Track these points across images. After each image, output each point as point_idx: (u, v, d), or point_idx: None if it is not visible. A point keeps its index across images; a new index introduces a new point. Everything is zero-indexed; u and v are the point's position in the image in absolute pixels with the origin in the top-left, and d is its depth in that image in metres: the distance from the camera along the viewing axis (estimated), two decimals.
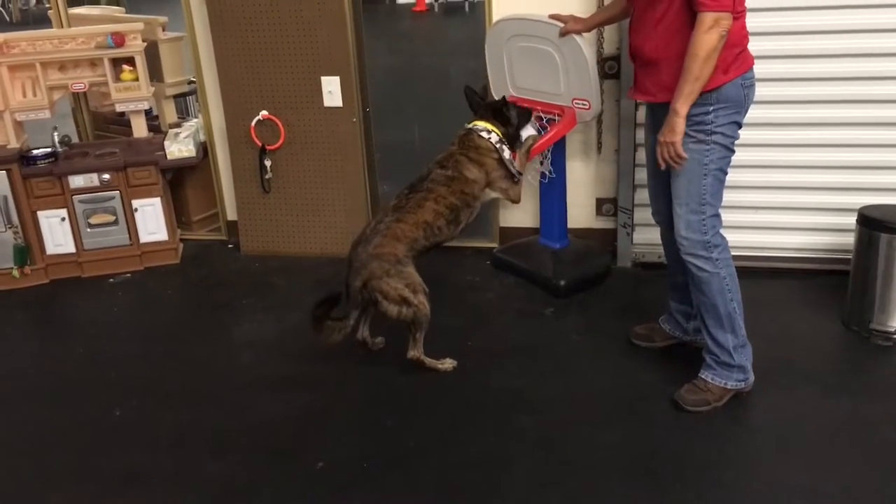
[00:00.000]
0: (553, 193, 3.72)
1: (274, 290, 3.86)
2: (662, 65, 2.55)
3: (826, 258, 3.62)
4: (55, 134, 4.09)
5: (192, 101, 4.88)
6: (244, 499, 2.52)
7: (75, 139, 4.45)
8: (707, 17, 2.38)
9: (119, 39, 3.99)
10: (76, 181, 3.94)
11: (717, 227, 2.69)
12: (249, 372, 3.20)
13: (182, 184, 4.35)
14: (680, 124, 2.50)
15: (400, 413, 2.87)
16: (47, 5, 4.68)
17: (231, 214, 4.37)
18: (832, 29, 3.35)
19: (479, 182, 3.13)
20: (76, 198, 3.96)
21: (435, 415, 2.86)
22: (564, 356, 3.18)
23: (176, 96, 4.67)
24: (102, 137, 4.62)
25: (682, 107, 2.48)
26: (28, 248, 3.97)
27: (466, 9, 12.52)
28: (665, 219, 2.89)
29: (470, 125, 3.21)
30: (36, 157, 3.94)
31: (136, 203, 4.04)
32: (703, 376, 2.81)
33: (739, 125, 2.63)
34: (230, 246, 4.37)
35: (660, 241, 3.06)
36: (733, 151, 2.65)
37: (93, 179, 3.95)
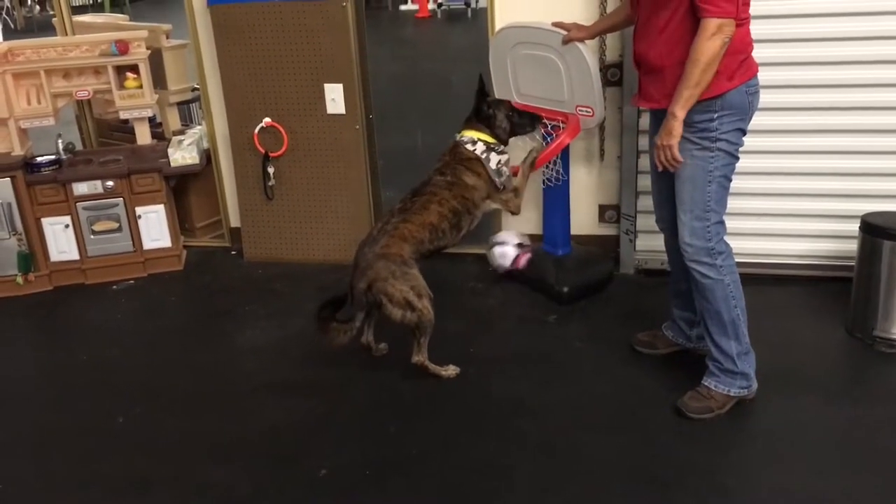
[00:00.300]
0: (556, 200, 3.72)
1: (277, 297, 3.86)
2: (667, 72, 2.56)
3: (829, 265, 3.61)
4: (59, 141, 4.10)
5: (195, 109, 4.90)
6: None
7: (79, 146, 4.46)
8: (710, 24, 2.39)
9: (123, 47, 4.01)
10: (80, 188, 3.95)
11: (722, 234, 2.69)
12: (252, 378, 3.20)
13: (185, 191, 4.37)
14: (677, 128, 2.51)
15: (402, 419, 2.87)
16: (51, 13, 4.71)
17: (234, 221, 4.38)
18: (836, 36, 3.35)
19: (479, 189, 3.14)
20: (80, 205, 3.97)
21: (437, 421, 2.86)
22: (567, 363, 3.18)
23: (179, 103, 4.68)
24: (106, 144, 4.63)
25: (679, 111, 2.49)
26: (32, 255, 3.98)
27: (469, 15, 12.56)
28: (669, 225, 2.89)
29: (458, 135, 3.21)
30: (40, 165, 3.95)
31: (139, 210, 4.05)
32: (706, 383, 2.80)
33: (744, 132, 2.64)
34: (233, 253, 4.38)
35: (662, 248, 3.06)
36: (737, 158, 2.66)
37: (96, 186, 3.96)
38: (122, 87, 4.08)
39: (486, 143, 3.17)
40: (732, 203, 3.63)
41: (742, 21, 2.49)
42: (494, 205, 3.25)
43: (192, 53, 4.15)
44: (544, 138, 3.47)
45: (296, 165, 4.05)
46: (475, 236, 3.40)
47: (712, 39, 2.39)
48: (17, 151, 3.96)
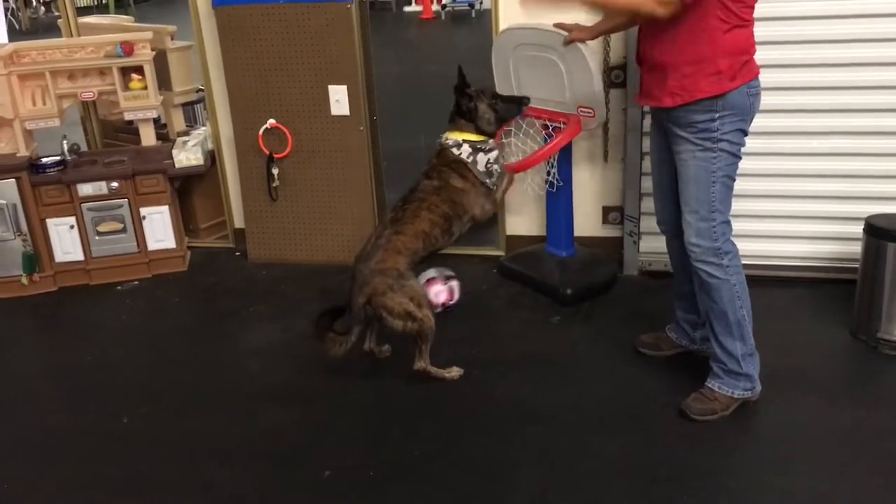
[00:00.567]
0: (559, 202, 3.72)
1: (281, 298, 3.86)
2: (670, 70, 2.56)
3: (833, 267, 3.61)
4: (64, 142, 4.11)
5: (200, 110, 4.91)
6: None
7: (84, 147, 4.47)
8: None
9: (128, 48, 4.02)
10: (85, 189, 3.96)
11: (728, 234, 2.70)
12: (256, 379, 3.21)
13: (190, 192, 4.37)
14: None
15: (406, 421, 2.87)
16: (57, 14, 4.72)
17: (238, 222, 4.38)
18: (841, 38, 3.35)
19: (468, 191, 3.09)
20: (85, 206, 3.98)
21: (440, 423, 2.86)
22: (570, 364, 3.18)
23: (184, 105, 4.69)
24: (111, 146, 4.64)
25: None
26: (37, 256, 3.99)
27: (473, 16, 12.55)
28: (671, 227, 2.89)
29: (443, 137, 3.15)
30: (45, 166, 3.96)
31: (144, 211, 4.05)
32: (710, 385, 2.80)
33: (745, 133, 2.64)
34: (237, 254, 4.38)
35: (666, 250, 3.06)
36: (740, 158, 2.66)
37: (101, 187, 3.97)
38: (127, 88, 4.08)
39: (471, 143, 3.09)
40: (737, 205, 3.62)
41: (745, 23, 2.50)
42: (476, 210, 3.13)
43: (197, 55, 4.16)
44: (545, 140, 3.47)
45: (300, 167, 4.05)
46: (479, 238, 3.39)
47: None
48: (23, 152, 3.97)
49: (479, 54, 3.87)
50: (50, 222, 3.99)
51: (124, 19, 6.01)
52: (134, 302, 3.94)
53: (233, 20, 3.88)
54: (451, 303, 3.57)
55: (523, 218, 4.02)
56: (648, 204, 3.55)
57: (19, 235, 3.93)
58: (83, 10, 4.24)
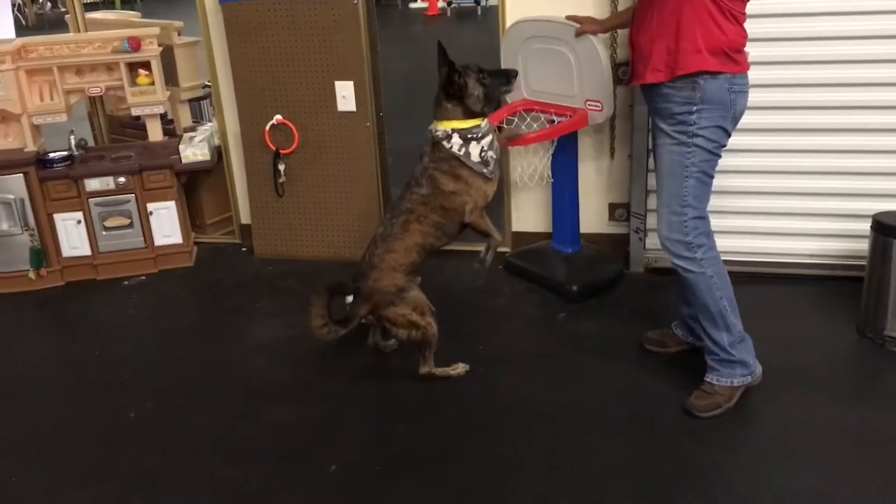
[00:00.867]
0: (565, 198, 3.72)
1: (287, 294, 3.87)
2: (655, 47, 2.58)
3: (840, 264, 3.60)
4: (72, 137, 4.12)
5: (206, 106, 4.91)
6: (257, 501, 2.53)
7: (91, 143, 4.48)
8: None
9: (135, 44, 4.03)
10: (92, 184, 3.97)
11: (701, 229, 2.69)
12: (262, 375, 3.21)
13: (196, 187, 4.38)
14: None
15: (411, 417, 2.88)
16: (62, 9, 4.73)
17: (245, 218, 4.39)
18: (848, 35, 3.33)
19: (460, 193, 2.91)
20: (92, 201, 3.99)
21: (446, 419, 2.86)
22: (576, 361, 3.18)
23: (191, 100, 4.70)
24: (118, 141, 4.65)
25: None
26: (44, 251, 4.00)
27: (479, 13, 12.55)
28: None
29: (432, 129, 2.93)
30: (52, 161, 3.97)
31: (150, 206, 4.07)
32: (708, 380, 2.81)
33: (728, 132, 2.65)
34: (244, 249, 4.39)
35: None
36: (718, 156, 2.67)
37: (108, 183, 3.98)
38: (134, 83, 4.09)
39: (461, 131, 2.86)
40: (744, 202, 3.64)
41: (734, 17, 2.52)
42: (466, 215, 2.95)
43: (204, 50, 4.16)
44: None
45: (306, 162, 4.06)
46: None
47: None
48: (30, 147, 3.98)
49: (485, 51, 3.88)
50: (57, 217, 4.00)
51: (131, 15, 6.03)
52: (140, 297, 3.95)
53: (240, 16, 3.88)
54: None
55: (529, 214, 4.02)
56: (654, 201, 3.55)
57: (26, 230, 3.94)
58: (89, 6, 4.23)
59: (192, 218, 4.35)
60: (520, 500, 2.48)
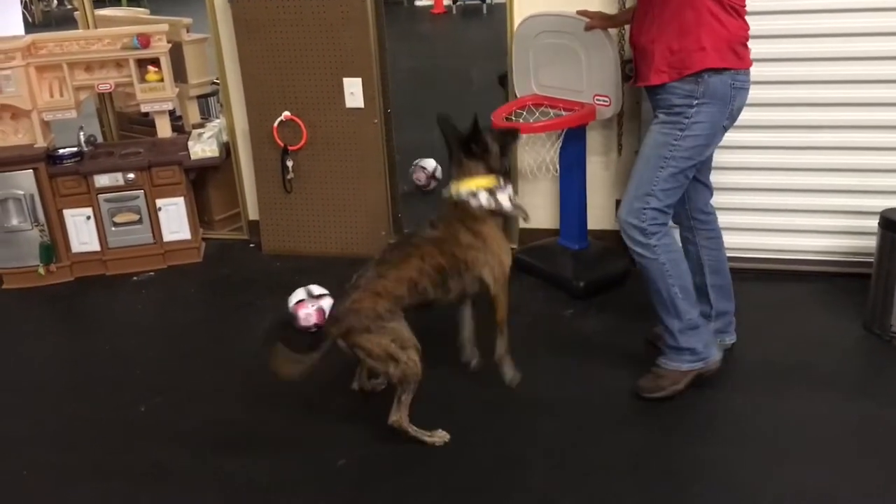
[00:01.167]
0: (573, 195, 3.73)
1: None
2: (657, 48, 2.60)
3: (848, 261, 3.60)
4: (81, 133, 4.14)
5: (215, 102, 4.93)
6: (267, 495, 2.55)
7: (100, 139, 4.50)
8: None
9: (144, 41, 4.04)
10: (101, 180, 3.99)
11: (659, 221, 2.70)
12: (270, 370, 3.22)
13: (205, 183, 4.40)
14: None
15: (418, 413, 2.87)
16: (69, 6, 4.75)
17: (253, 214, 4.41)
18: (857, 32, 3.33)
19: (475, 249, 2.79)
20: (101, 197, 4.01)
21: (453, 415, 2.87)
22: (583, 358, 3.18)
23: (200, 97, 4.72)
24: (127, 137, 4.67)
25: None
26: (54, 246, 4.03)
27: (484, 11, 12.55)
28: (679, 219, 2.92)
29: (453, 191, 2.83)
30: (62, 157, 3.99)
31: (159, 202, 4.08)
32: (658, 362, 2.88)
33: (721, 129, 2.67)
34: (252, 245, 4.41)
35: None
36: (700, 159, 2.69)
37: (118, 179, 4.00)
38: (143, 80, 4.11)
39: (486, 189, 2.79)
40: (751, 199, 3.64)
41: (736, 12, 2.54)
42: (486, 277, 2.86)
43: (213, 47, 4.18)
44: (558, 135, 3.48)
45: (314, 159, 4.07)
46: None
47: None
48: (40, 143, 4.00)
49: (491, 49, 3.89)
50: (67, 213, 4.02)
51: (138, 12, 6.05)
52: (149, 292, 3.97)
53: (248, 12, 3.89)
54: (320, 322, 3.37)
55: (537, 211, 4.02)
56: None
57: (36, 226, 3.96)
58: (96, 3, 4.24)
59: (200, 214, 4.36)
60: (525, 495, 2.49)
